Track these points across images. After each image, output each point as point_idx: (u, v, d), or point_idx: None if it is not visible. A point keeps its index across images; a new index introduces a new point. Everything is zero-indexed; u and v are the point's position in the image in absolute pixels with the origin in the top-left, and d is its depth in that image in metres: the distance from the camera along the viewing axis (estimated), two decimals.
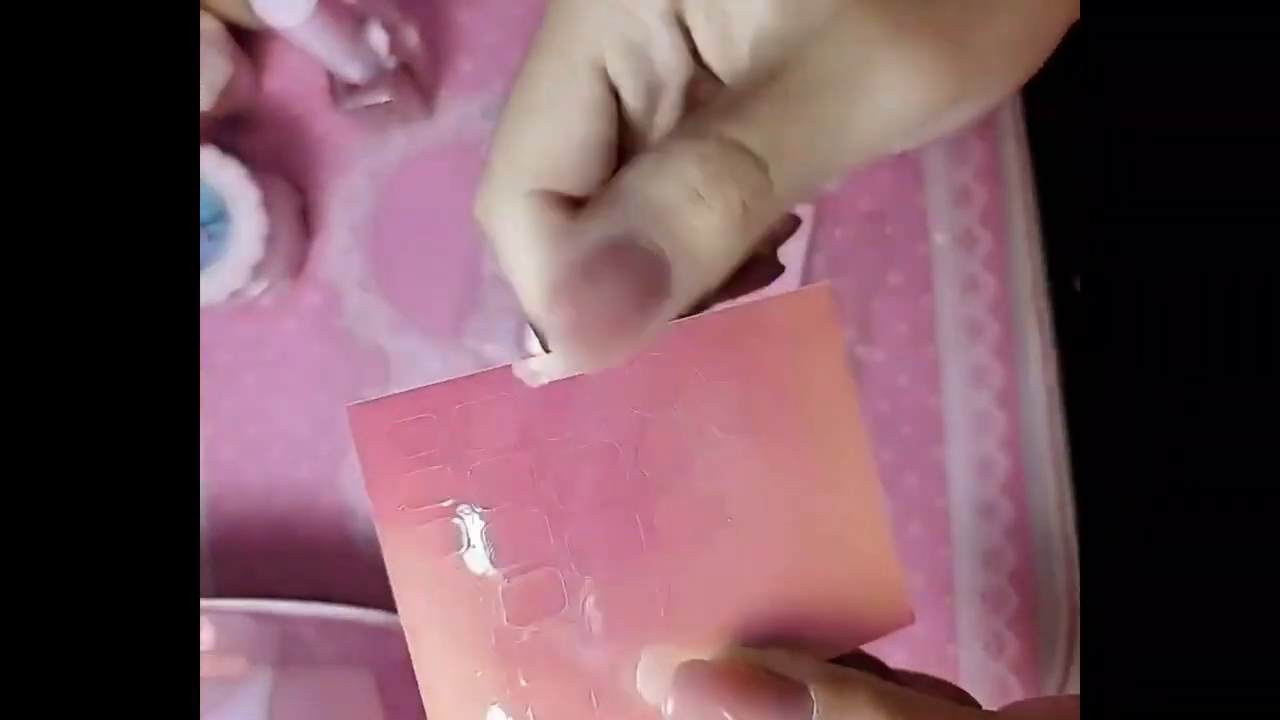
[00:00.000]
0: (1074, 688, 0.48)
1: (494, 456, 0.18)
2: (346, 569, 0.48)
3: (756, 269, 0.22)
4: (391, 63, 0.42)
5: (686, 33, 0.18)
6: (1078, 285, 0.61)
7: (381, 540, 0.18)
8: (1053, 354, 0.47)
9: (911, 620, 0.20)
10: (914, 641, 0.46)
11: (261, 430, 0.48)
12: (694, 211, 0.16)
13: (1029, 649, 0.48)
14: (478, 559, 0.18)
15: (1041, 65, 0.18)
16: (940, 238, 0.47)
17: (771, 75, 0.17)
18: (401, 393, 0.18)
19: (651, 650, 0.19)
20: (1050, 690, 0.47)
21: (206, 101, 0.43)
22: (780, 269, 0.23)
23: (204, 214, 0.42)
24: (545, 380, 0.18)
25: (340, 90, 0.43)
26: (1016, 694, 0.47)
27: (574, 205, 0.19)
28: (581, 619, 0.19)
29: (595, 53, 0.18)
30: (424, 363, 0.48)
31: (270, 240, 0.42)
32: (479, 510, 0.18)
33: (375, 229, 0.48)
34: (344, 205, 0.48)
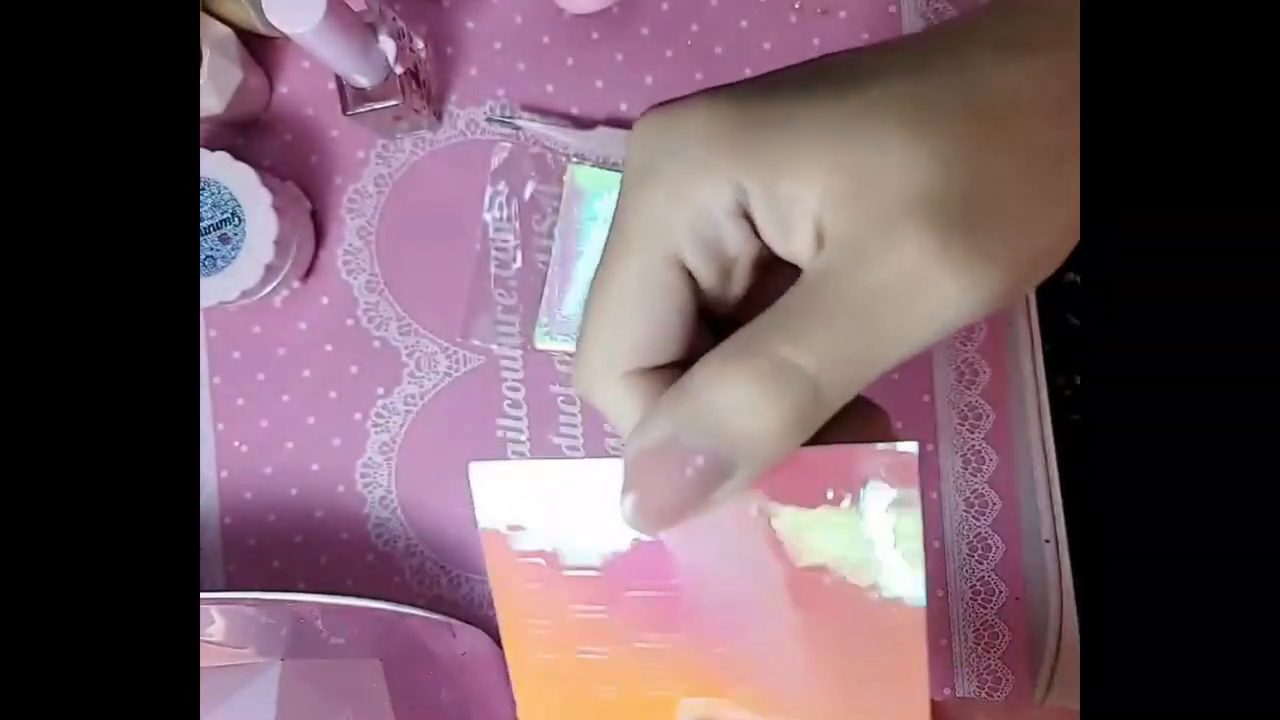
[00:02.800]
0: (1062, 672, 0.48)
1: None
2: (357, 560, 0.49)
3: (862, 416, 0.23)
4: (399, 69, 0.43)
5: (754, 222, 0.20)
6: (1074, 278, 0.62)
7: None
8: (1040, 346, 0.48)
9: None
10: None
11: (273, 426, 0.49)
12: (749, 421, 0.18)
13: (1022, 642, 0.48)
14: None
15: None
16: None
17: (825, 281, 0.18)
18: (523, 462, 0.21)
19: None
20: (1040, 682, 0.48)
21: (218, 106, 0.44)
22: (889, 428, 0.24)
23: (216, 216, 0.43)
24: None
25: (349, 96, 0.44)
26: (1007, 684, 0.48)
27: (665, 370, 0.21)
28: None
29: (672, 249, 0.20)
30: (433, 362, 0.49)
31: (281, 242, 0.43)
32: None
33: (384, 231, 0.49)
34: (353, 208, 0.49)
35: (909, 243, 0.18)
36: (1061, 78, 0.19)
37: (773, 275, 0.22)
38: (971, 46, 0.19)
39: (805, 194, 0.19)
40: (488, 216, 0.48)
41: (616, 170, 0.47)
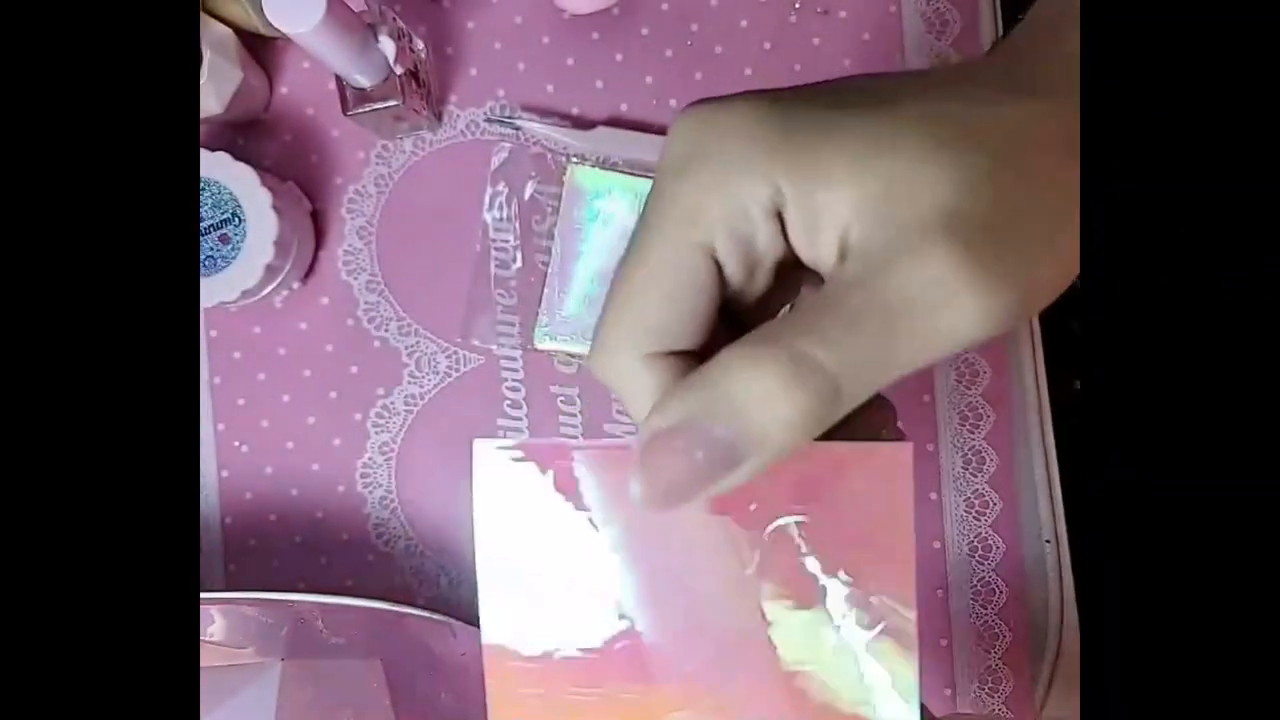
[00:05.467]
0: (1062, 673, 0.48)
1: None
2: (357, 560, 0.49)
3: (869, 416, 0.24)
4: (399, 69, 0.43)
5: (783, 223, 0.20)
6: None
7: None
8: (1041, 347, 0.48)
9: None
10: None
11: (274, 426, 0.49)
12: (765, 411, 0.19)
13: (1022, 642, 0.48)
14: None
15: None
16: None
17: (849, 288, 0.19)
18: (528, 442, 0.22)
19: None
20: (1041, 682, 0.48)
21: (219, 107, 0.44)
22: (900, 435, 0.24)
23: (217, 216, 0.43)
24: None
25: (350, 96, 0.44)
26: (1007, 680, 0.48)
27: (681, 356, 0.22)
28: None
29: (706, 239, 0.20)
30: (433, 362, 0.49)
31: (281, 242, 0.43)
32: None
33: (384, 231, 0.49)
34: (353, 208, 0.49)
35: (935, 257, 0.18)
36: (1064, 121, 0.20)
37: (788, 282, 0.22)
38: (979, 88, 0.20)
39: (837, 202, 0.19)
40: (488, 216, 0.49)
41: (617, 170, 0.47)
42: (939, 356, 0.19)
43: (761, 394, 0.19)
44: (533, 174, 0.48)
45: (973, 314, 0.18)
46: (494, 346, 0.49)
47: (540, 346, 0.48)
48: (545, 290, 0.48)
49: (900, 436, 0.23)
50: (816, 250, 0.20)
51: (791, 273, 0.22)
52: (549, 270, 0.48)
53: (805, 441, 0.19)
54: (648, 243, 0.21)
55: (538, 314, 0.48)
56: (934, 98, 0.20)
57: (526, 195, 0.48)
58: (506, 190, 0.48)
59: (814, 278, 0.22)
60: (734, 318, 0.22)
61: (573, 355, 0.48)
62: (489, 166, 0.48)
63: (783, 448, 0.19)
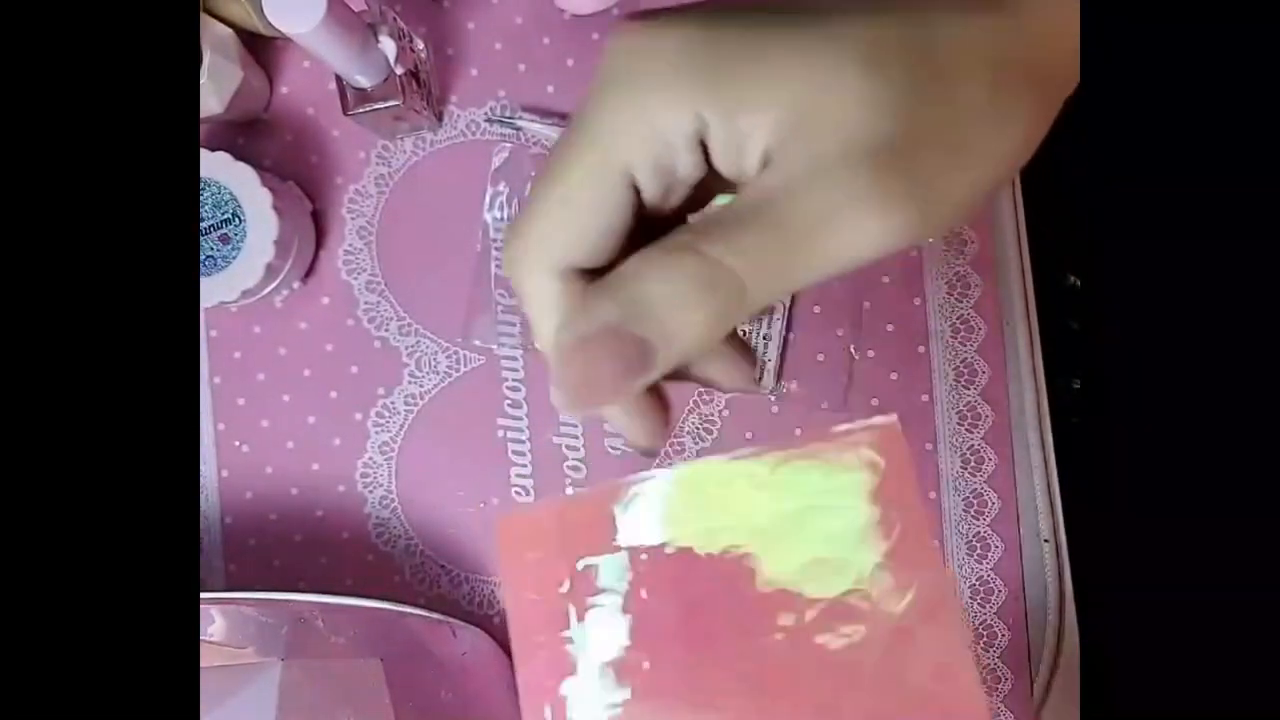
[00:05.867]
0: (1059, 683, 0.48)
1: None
2: (357, 560, 0.49)
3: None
4: (400, 69, 0.43)
5: (705, 149, 0.21)
6: (1075, 282, 0.62)
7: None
8: (1040, 347, 0.48)
9: None
10: None
11: (274, 425, 0.49)
12: (677, 311, 0.20)
13: (1021, 641, 0.49)
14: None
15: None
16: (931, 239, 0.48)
17: (764, 201, 0.20)
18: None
19: None
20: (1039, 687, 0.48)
21: (219, 106, 0.44)
22: (751, 354, 0.26)
23: (217, 216, 0.43)
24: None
25: (350, 96, 0.44)
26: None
27: (590, 273, 0.22)
28: None
29: (624, 166, 0.21)
30: (433, 362, 0.49)
31: (282, 242, 0.43)
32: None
33: (384, 231, 0.49)
34: (353, 208, 0.49)
35: (843, 180, 0.19)
36: (1007, 39, 0.20)
37: (705, 187, 0.23)
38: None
39: (759, 126, 0.20)
40: (488, 216, 0.49)
41: None
42: (844, 268, 0.20)
43: (674, 297, 0.20)
44: (533, 174, 0.48)
45: (875, 233, 0.19)
46: (494, 346, 0.49)
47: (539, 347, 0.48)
48: None
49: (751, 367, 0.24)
50: (740, 169, 0.21)
51: (715, 183, 0.22)
52: None
53: (715, 342, 0.20)
54: (568, 156, 0.21)
55: None
56: (872, 14, 0.20)
57: (527, 195, 0.48)
58: (507, 190, 0.48)
59: (729, 185, 0.22)
60: (646, 222, 0.23)
61: None
62: (490, 167, 0.48)
63: (692, 348, 0.20)
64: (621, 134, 0.21)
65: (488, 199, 0.48)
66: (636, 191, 0.21)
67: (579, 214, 0.21)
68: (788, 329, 0.48)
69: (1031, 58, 0.20)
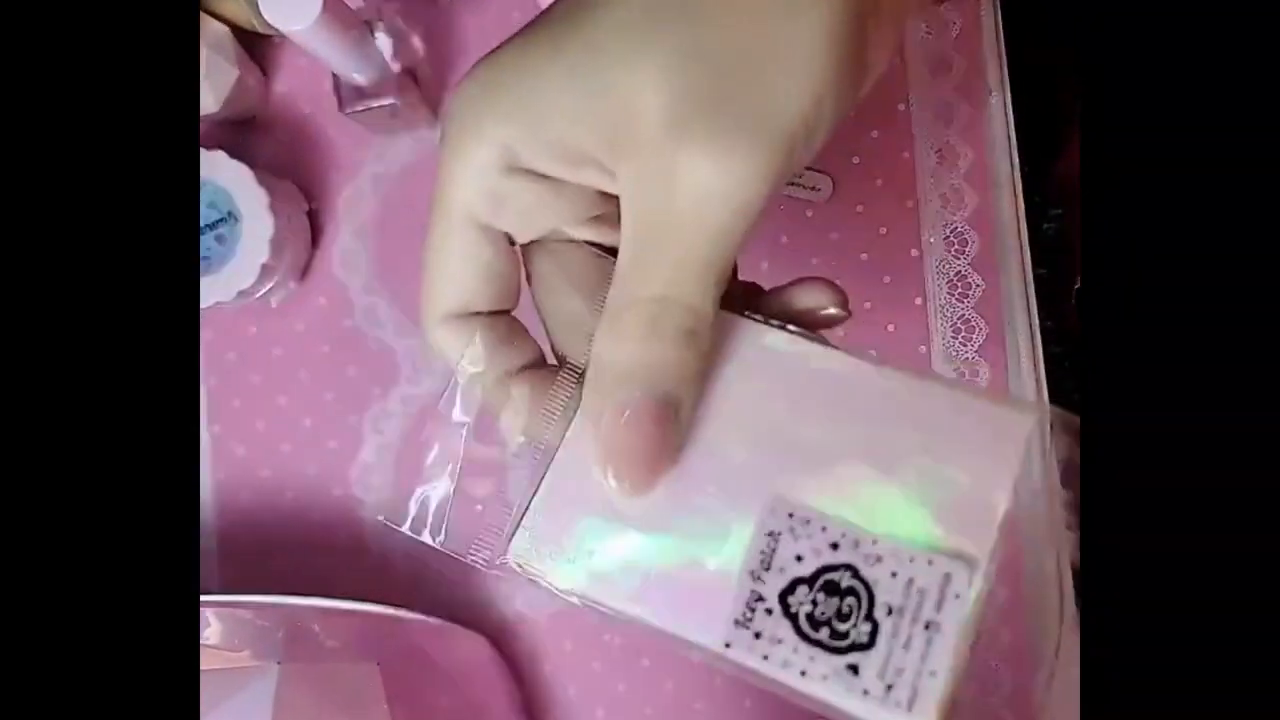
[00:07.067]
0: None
1: None
2: (354, 562, 0.49)
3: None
4: (396, 67, 0.43)
5: (529, 171, 0.21)
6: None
7: None
8: (1040, 347, 0.48)
9: None
10: None
11: (270, 427, 0.49)
12: (659, 355, 0.20)
13: (1022, 642, 0.48)
14: None
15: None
16: (931, 238, 0.47)
17: (634, 219, 0.20)
18: None
19: None
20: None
21: (215, 105, 0.44)
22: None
23: (213, 216, 0.43)
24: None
25: (346, 94, 0.43)
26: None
27: (496, 314, 0.24)
28: None
29: (466, 210, 0.22)
30: (430, 364, 0.49)
31: (277, 241, 0.43)
32: None
33: (380, 231, 0.49)
34: (350, 207, 0.49)
35: (679, 154, 0.19)
36: None
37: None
38: None
39: (569, 134, 0.20)
40: None
41: None
42: (741, 230, 0.20)
43: (646, 349, 0.20)
44: None
45: (725, 187, 0.19)
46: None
47: None
48: None
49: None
50: (577, 176, 0.21)
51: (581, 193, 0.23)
52: None
53: (704, 351, 0.21)
54: (430, 223, 0.23)
55: None
56: None
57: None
58: None
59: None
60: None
61: None
62: None
63: (694, 370, 0.21)
64: (449, 183, 0.22)
65: None
66: (502, 233, 0.22)
67: (446, 268, 0.23)
68: None
69: None
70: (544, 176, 0.22)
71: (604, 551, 0.21)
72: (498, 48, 0.21)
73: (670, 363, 0.20)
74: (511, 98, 0.20)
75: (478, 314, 0.23)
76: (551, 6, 0.21)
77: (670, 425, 0.21)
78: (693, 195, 0.19)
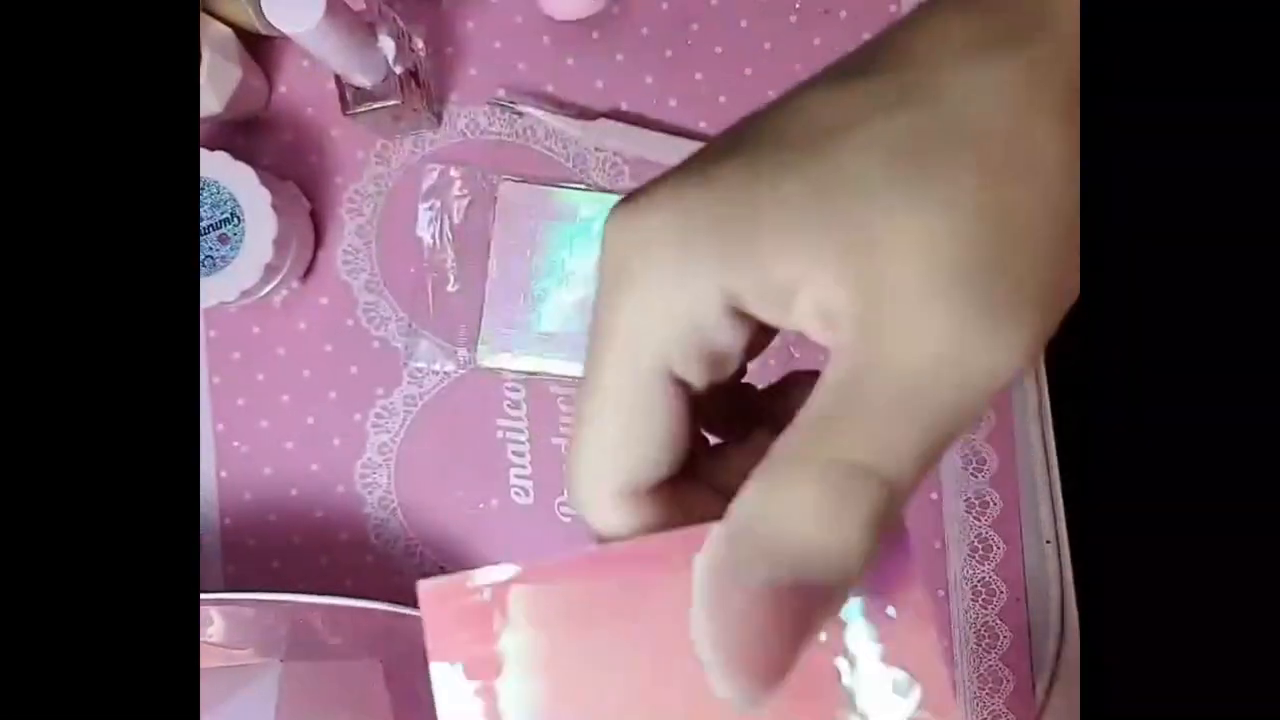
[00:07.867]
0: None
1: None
2: (357, 561, 0.49)
3: None
4: (399, 68, 0.43)
5: (744, 315, 0.18)
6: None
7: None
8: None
9: None
10: None
11: (273, 426, 0.49)
12: (830, 536, 0.16)
13: (1022, 642, 0.48)
14: None
15: None
16: None
17: (859, 370, 0.16)
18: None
19: None
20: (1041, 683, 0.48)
21: (218, 106, 0.44)
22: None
23: (216, 216, 0.43)
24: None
25: (349, 96, 0.43)
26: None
27: (660, 486, 0.19)
28: None
29: (659, 360, 0.18)
30: (432, 363, 0.49)
31: (281, 241, 0.43)
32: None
33: (383, 231, 0.49)
34: (352, 208, 0.49)
35: (936, 316, 0.16)
36: (1052, 70, 0.16)
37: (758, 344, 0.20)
38: (941, 53, 0.16)
39: (804, 275, 0.17)
40: (424, 235, 0.49)
41: (550, 185, 0.48)
42: (981, 410, 0.17)
43: (818, 521, 0.16)
44: (464, 193, 0.48)
45: (998, 360, 0.16)
46: (436, 366, 0.49)
47: (484, 364, 0.48)
48: (484, 308, 0.48)
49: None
50: (796, 322, 0.18)
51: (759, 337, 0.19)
52: (486, 288, 0.48)
53: (876, 552, 0.17)
54: (598, 369, 0.18)
55: (479, 332, 0.48)
56: (895, 104, 0.16)
57: (458, 215, 0.48)
58: (438, 206, 0.49)
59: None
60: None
61: (518, 373, 0.49)
62: (419, 188, 0.49)
63: (860, 565, 0.17)
64: (645, 330, 0.18)
65: (423, 218, 0.48)
66: (684, 384, 0.18)
67: (626, 432, 0.19)
68: None
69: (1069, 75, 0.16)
70: (753, 319, 0.18)
71: None
72: (691, 168, 0.18)
73: (850, 551, 0.16)
74: (732, 233, 0.17)
75: (652, 489, 0.19)
76: (765, 115, 0.18)
77: (815, 624, 0.17)
78: (946, 359, 0.16)
